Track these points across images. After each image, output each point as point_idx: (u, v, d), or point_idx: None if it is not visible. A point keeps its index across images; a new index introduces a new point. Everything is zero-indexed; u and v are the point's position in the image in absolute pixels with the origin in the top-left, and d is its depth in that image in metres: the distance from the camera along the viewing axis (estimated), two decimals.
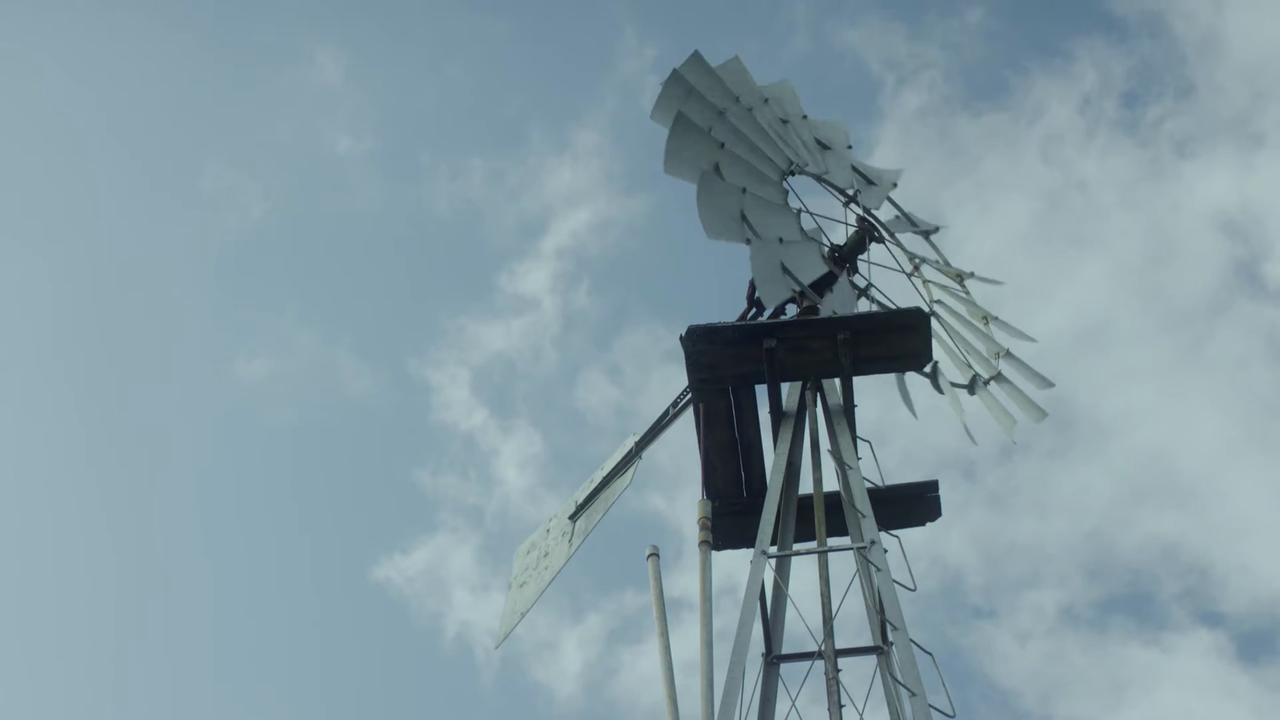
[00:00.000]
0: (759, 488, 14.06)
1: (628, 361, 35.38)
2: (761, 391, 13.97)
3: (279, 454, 37.59)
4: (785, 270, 14.37)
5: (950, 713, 11.98)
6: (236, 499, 36.44)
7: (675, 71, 15.38)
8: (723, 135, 15.35)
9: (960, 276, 15.87)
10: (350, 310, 38.09)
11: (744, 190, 14.92)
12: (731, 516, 13.95)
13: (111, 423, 36.56)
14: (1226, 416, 33.55)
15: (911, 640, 12.26)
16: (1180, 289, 34.18)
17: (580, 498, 15.67)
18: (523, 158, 38.10)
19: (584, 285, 36.55)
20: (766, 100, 16.28)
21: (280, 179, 38.51)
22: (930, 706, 11.90)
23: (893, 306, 15.05)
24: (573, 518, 15.59)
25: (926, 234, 16.47)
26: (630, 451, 15.30)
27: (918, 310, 14.03)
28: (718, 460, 14.13)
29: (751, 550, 13.10)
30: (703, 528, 13.15)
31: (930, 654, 12.31)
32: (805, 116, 16.65)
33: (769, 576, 13.15)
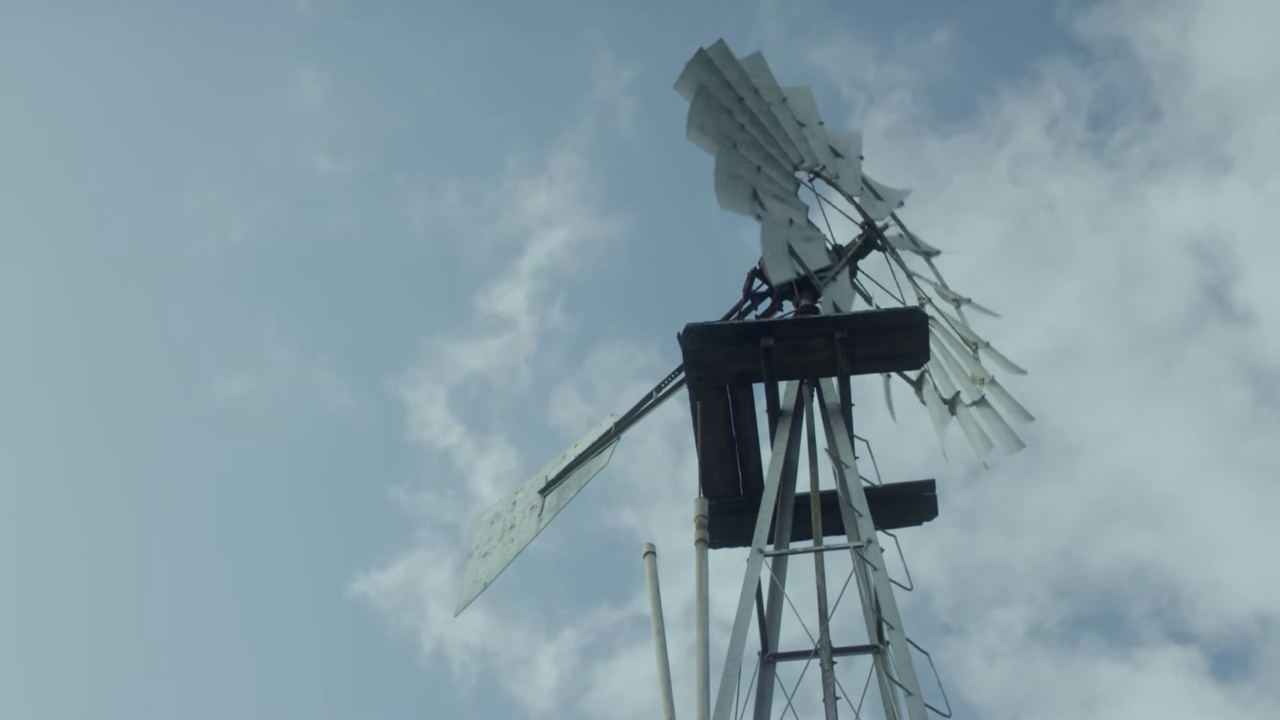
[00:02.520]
0: (756, 487, 14.05)
1: (600, 379, 35.55)
2: (759, 390, 13.98)
3: (256, 471, 37.72)
4: (792, 252, 14.46)
5: (946, 712, 11.98)
6: (214, 515, 36.48)
7: (701, 50, 15.57)
8: (743, 120, 15.58)
9: (957, 302, 15.86)
10: (328, 329, 38.33)
11: (759, 169, 15.05)
12: (728, 515, 13.94)
13: (88, 440, 36.62)
14: (1197, 437, 33.74)
15: (908, 639, 12.25)
16: (1150, 311, 34.35)
17: (551, 474, 15.61)
18: (499, 179, 38.32)
19: (559, 305, 36.72)
20: (785, 99, 16.36)
21: (260, 198, 38.71)
22: (926, 706, 11.89)
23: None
24: (543, 492, 15.49)
25: (928, 256, 16.46)
26: (609, 432, 15.25)
27: (916, 309, 14.02)
28: (715, 459, 14.12)
29: (747, 549, 13.10)
30: (700, 526, 13.12)
31: (926, 653, 12.32)
32: (821, 123, 16.70)
33: (765, 575, 13.16)
